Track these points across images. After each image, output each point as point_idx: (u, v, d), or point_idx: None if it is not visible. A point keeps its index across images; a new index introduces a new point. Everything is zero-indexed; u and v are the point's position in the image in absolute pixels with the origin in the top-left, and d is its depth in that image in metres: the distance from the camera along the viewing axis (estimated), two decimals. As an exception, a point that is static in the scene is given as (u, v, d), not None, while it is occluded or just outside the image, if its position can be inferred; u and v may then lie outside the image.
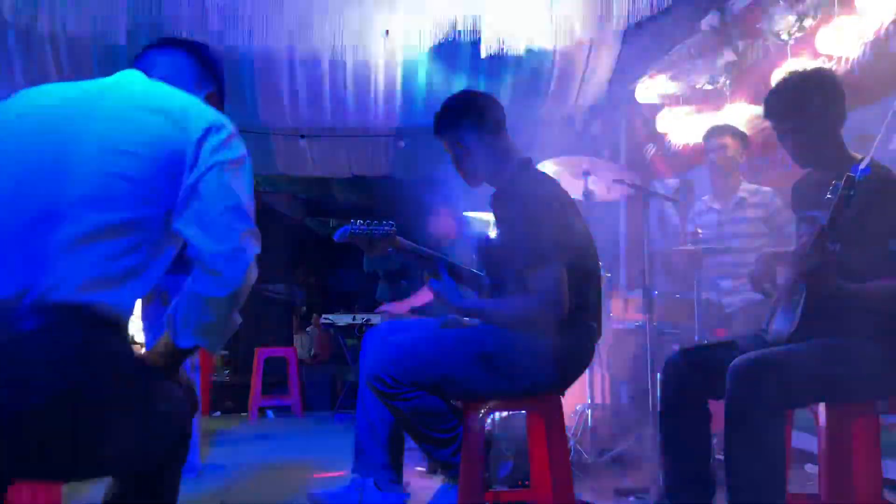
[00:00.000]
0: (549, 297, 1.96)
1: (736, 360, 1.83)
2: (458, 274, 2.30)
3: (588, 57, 4.85)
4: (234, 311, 1.33)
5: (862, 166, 1.64)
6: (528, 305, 2.00)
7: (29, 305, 1.16)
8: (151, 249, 1.28)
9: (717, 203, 3.50)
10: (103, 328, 1.21)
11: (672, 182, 4.65)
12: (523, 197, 2.04)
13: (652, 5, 3.72)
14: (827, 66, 3.02)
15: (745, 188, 3.42)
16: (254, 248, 1.31)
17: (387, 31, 4.36)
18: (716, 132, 3.47)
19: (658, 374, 2.57)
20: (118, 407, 1.18)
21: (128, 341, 1.41)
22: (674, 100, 4.41)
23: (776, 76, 3.29)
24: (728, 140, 3.42)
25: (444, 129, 2.19)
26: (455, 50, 4.66)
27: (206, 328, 1.31)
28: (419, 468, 3.06)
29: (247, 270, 1.29)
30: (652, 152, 4.85)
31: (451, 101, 2.22)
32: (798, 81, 2.07)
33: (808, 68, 2.35)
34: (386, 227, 2.10)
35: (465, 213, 4.66)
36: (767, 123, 3.68)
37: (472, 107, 2.19)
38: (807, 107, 1.98)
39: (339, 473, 2.70)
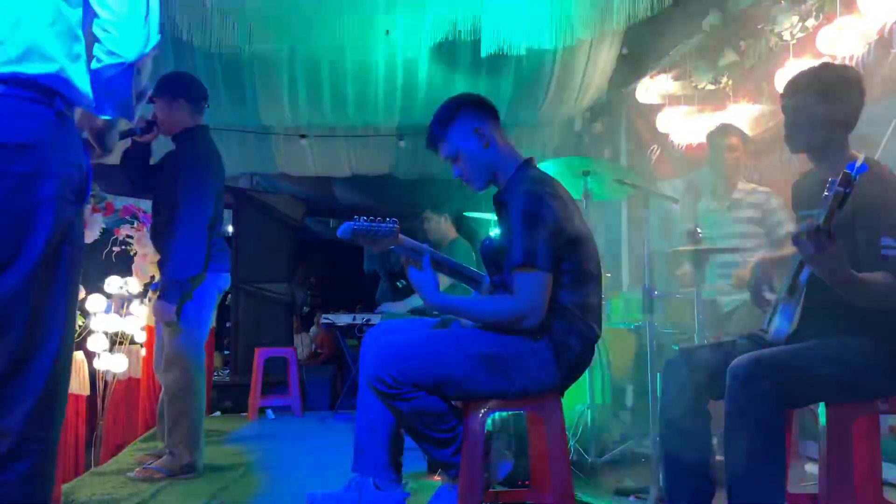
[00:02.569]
0: (525, 302, 1.96)
1: (736, 360, 1.83)
2: (458, 272, 2.30)
3: (588, 57, 4.85)
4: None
5: (858, 164, 1.64)
6: (503, 307, 2.00)
7: None
8: None
9: (715, 203, 3.50)
10: None
11: (678, 183, 4.65)
12: (521, 197, 2.03)
13: (652, 5, 3.72)
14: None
15: (743, 188, 3.43)
16: None
17: (387, 31, 4.36)
18: (725, 131, 3.47)
19: (658, 374, 2.57)
20: None
21: None
22: (675, 100, 4.40)
23: (780, 76, 3.28)
24: (737, 140, 3.43)
25: (441, 139, 2.18)
26: (455, 50, 4.66)
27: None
28: (419, 468, 3.06)
29: None
30: (656, 154, 4.84)
31: (441, 110, 2.20)
32: (824, 68, 2.12)
33: (843, 65, 2.37)
34: (389, 225, 2.10)
35: (465, 213, 4.67)
36: (770, 124, 3.70)
37: (464, 109, 2.18)
38: (822, 91, 1.99)
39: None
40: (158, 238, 3.12)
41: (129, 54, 1.47)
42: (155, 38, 1.51)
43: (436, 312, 2.25)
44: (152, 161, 3.26)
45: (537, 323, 1.97)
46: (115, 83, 1.48)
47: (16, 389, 1.35)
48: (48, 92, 1.37)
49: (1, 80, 1.32)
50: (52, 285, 1.38)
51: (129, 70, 1.49)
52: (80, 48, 1.44)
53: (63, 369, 1.44)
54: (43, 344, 1.37)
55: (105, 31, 1.46)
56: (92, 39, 1.48)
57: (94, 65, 1.48)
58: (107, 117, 1.57)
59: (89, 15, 1.47)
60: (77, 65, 1.42)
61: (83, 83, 1.44)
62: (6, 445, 1.34)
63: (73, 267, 1.43)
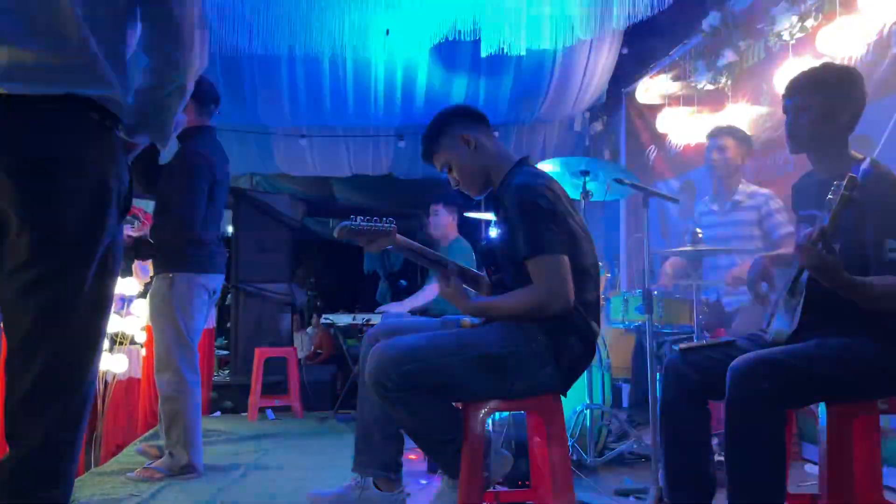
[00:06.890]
0: (554, 286, 1.96)
1: (736, 360, 1.82)
2: (462, 274, 2.30)
3: (588, 57, 4.86)
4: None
5: (863, 167, 1.64)
6: (526, 299, 2.00)
7: None
8: None
9: (714, 204, 3.49)
10: None
11: (674, 183, 4.66)
12: (518, 191, 2.04)
13: (652, 5, 3.72)
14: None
15: (742, 190, 3.40)
16: None
17: (387, 31, 4.36)
18: (717, 133, 3.46)
19: (658, 374, 2.57)
20: None
21: None
22: (675, 100, 4.41)
23: (779, 77, 3.28)
24: (728, 142, 3.40)
25: (432, 152, 2.22)
26: (455, 50, 4.66)
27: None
28: (419, 468, 3.06)
29: None
30: (654, 155, 4.85)
31: (430, 124, 2.23)
32: (825, 68, 2.11)
33: (844, 65, 2.35)
34: (386, 225, 2.11)
35: (465, 214, 4.67)
36: (769, 124, 3.70)
37: (450, 119, 2.21)
38: (823, 90, 1.98)
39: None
40: (155, 233, 3.15)
41: (183, 77, 1.48)
42: (205, 59, 1.52)
43: (435, 312, 2.25)
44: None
45: (565, 306, 1.96)
46: (161, 106, 1.50)
47: (53, 388, 1.37)
48: (101, 111, 1.39)
49: (55, 98, 1.34)
50: (97, 291, 1.42)
51: (178, 93, 1.49)
52: (125, 70, 1.46)
53: (96, 374, 1.47)
54: (86, 346, 1.40)
55: (158, 51, 1.46)
56: (138, 60, 1.48)
57: (143, 86, 1.49)
58: (142, 142, 1.55)
59: (135, 35, 1.48)
60: (125, 87, 1.44)
61: (129, 104, 1.46)
62: (34, 444, 1.35)
63: (112, 278, 1.47)
